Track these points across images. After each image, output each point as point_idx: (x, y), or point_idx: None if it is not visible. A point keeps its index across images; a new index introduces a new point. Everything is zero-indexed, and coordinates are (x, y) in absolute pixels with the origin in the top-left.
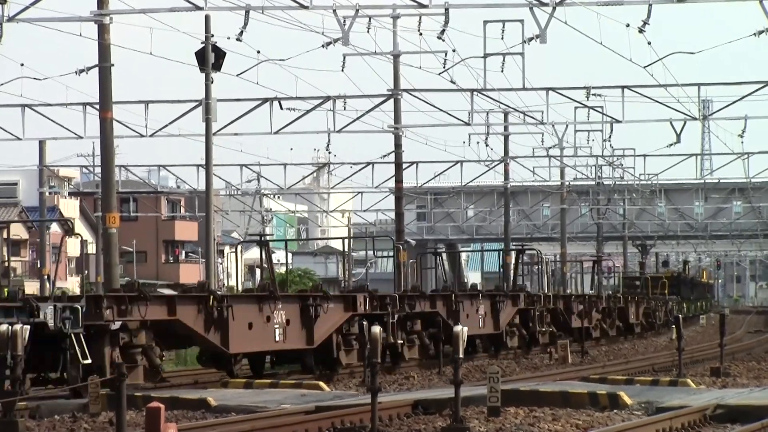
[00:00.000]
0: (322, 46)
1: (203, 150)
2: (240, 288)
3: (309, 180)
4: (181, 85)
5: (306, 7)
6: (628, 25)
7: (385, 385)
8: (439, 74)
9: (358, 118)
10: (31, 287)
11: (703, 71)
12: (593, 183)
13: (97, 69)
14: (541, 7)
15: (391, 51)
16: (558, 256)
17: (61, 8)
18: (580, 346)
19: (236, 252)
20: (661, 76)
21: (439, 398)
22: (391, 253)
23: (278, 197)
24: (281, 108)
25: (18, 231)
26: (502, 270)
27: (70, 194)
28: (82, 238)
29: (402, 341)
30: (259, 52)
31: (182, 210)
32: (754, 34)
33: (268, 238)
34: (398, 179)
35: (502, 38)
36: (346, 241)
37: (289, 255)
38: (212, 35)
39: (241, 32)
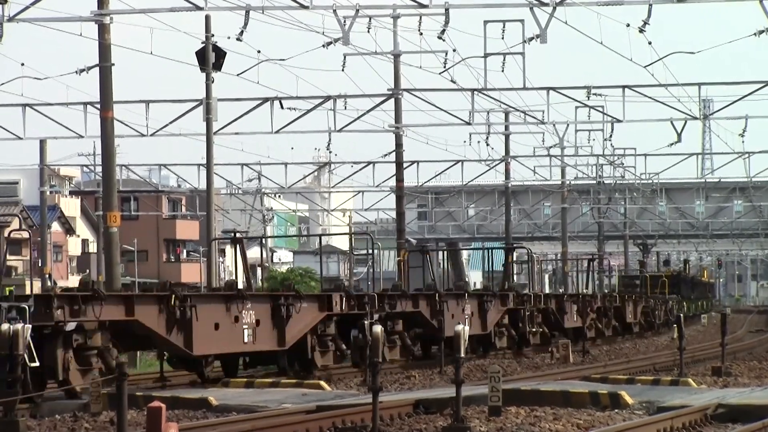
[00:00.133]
0: (323, 45)
1: (204, 149)
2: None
3: (310, 179)
4: (181, 84)
5: (306, 7)
6: (628, 25)
7: (386, 384)
8: (440, 74)
9: (358, 118)
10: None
11: (703, 71)
12: (594, 182)
13: (97, 69)
14: (541, 7)
15: (392, 51)
16: (559, 255)
17: (62, 8)
18: (577, 346)
19: (235, 250)
20: (662, 76)
21: (440, 398)
22: (388, 253)
23: (279, 196)
24: (282, 107)
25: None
26: (489, 270)
27: (71, 193)
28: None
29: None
30: (259, 51)
31: (183, 209)
32: (755, 34)
33: (267, 236)
34: (399, 178)
35: (503, 38)
36: (347, 240)
37: (290, 254)
38: (213, 35)
39: (242, 32)
